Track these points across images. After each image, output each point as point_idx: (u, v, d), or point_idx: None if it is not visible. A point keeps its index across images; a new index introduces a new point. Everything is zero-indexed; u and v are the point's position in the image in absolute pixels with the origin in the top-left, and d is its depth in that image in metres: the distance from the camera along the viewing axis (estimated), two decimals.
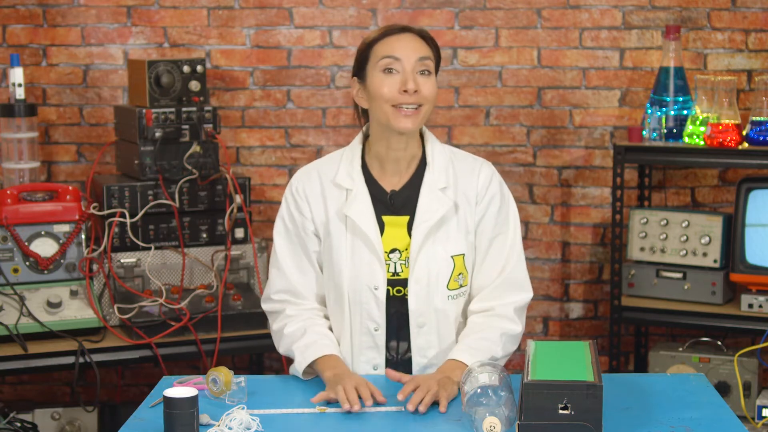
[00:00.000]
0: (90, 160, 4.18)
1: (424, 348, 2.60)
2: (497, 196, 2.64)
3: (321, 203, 2.63)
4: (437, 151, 2.64)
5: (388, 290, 2.58)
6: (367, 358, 2.60)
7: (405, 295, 2.58)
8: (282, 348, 2.64)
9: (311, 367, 2.57)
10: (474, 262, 2.64)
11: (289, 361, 2.65)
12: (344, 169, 2.63)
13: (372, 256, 2.57)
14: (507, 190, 2.67)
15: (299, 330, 2.60)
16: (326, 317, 2.67)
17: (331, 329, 2.66)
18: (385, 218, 2.60)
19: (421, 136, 2.66)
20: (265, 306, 2.70)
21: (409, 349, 2.61)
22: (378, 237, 2.57)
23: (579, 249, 4.25)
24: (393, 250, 2.58)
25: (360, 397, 2.36)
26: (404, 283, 2.58)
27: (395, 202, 2.61)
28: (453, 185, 2.61)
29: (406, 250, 2.58)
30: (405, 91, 2.52)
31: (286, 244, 2.66)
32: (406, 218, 2.60)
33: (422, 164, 2.64)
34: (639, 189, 4.18)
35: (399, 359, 2.62)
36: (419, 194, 2.60)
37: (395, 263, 2.58)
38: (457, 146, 2.76)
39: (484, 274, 2.63)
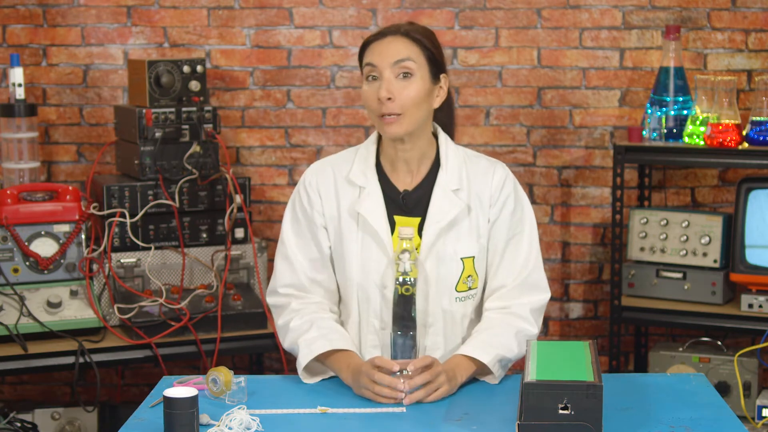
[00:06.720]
0: (90, 160, 4.18)
1: (430, 349, 2.59)
2: (511, 198, 2.62)
3: (333, 198, 2.62)
4: (451, 151, 2.63)
5: (396, 289, 2.58)
6: (373, 356, 2.59)
7: (413, 294, 2.58)
8: (287, 342, 2.62)
9: (319, 363, 2.55)
10: (486, 265, 2.63)
11: (290, 361, 2.64)
12: (358, 166, 2.62)
13: (381, 255, 2.56)
14: (522, 191, 2.66)
15: (306, 323, 2.58)
16: (332, 311, 2.66)
17: (339, 322, 2.65)
18: (396, 218, 2.59)
19: (436, 136, 2.66)
20: (270, 300, 2.68)
21: None
22: (389, 236, 2.57)
23: (579, 249, 4.25)
24: (403, 251, 2.58)
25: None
26: (413, 283, 2.57)
27: (407, 202, 2.60)
28: (466, 187, 2.60)
29: (416, 250, 2.57)
30: (379, 99, 2.51)
31: (295, 236, 2.64)
32: (418, 220, 2.59)
33: (436, 165, 2.62)
34: (639, 189, 4.18)
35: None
36: (431, 195, 2.59)
37: (404, 263, 2.58)
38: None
39: (502, 276, 2.62)
